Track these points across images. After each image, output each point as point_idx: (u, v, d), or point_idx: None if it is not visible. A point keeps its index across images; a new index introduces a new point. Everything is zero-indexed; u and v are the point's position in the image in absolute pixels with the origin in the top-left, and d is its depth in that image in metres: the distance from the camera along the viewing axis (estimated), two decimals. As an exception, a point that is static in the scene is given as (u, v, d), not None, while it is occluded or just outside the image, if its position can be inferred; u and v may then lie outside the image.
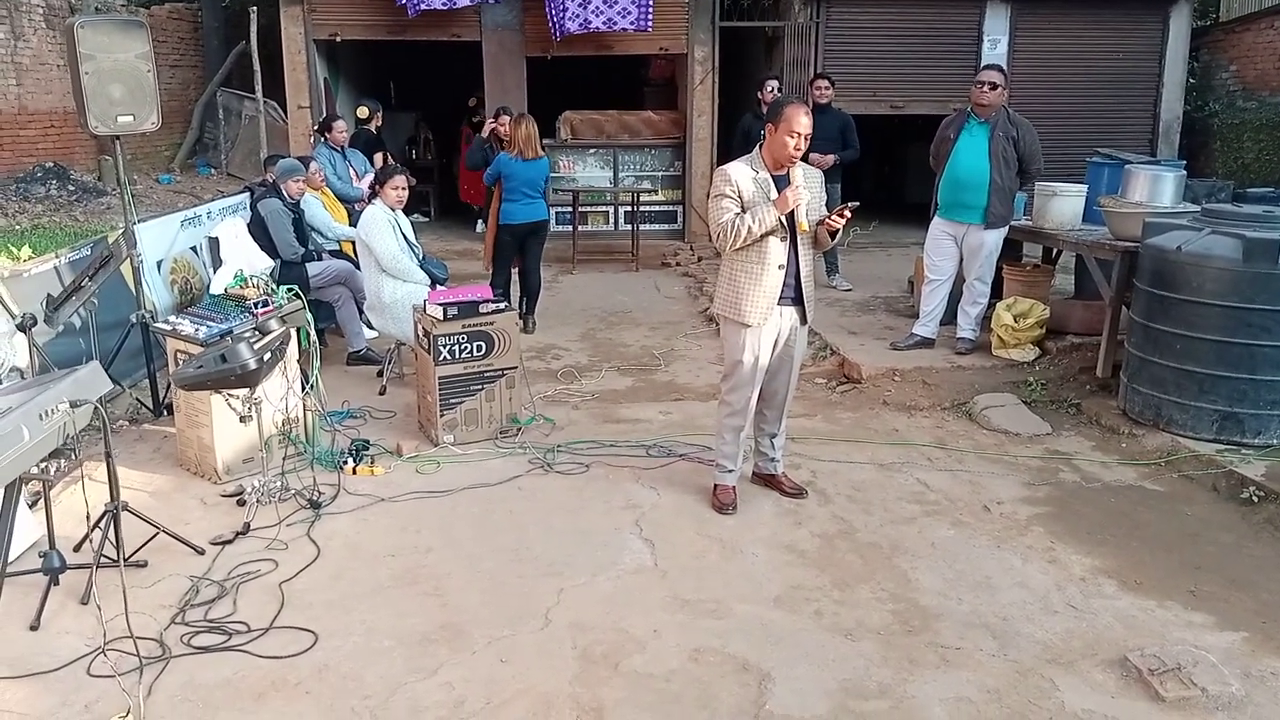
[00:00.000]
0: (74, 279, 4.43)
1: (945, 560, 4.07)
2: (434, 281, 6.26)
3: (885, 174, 13.87)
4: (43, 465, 2.92)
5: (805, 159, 4.37)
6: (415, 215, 11.90)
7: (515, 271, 7.93)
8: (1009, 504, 4.62)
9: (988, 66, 6.53)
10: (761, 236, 4.20)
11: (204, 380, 4.12)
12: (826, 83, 8.25)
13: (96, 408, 2.49)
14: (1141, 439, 5.29)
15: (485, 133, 9.43)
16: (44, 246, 7.85)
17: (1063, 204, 6.48)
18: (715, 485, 4.62)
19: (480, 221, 11.63)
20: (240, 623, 3.59)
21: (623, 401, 6.19)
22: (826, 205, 4.43)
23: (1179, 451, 5.05)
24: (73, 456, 2.36)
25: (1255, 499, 4.55)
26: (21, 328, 3.96)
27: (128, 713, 2.95)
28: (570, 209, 10.75)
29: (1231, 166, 10.92)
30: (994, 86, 6.16)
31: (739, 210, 4.21)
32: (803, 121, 4.14)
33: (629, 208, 11.02)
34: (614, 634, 3.52)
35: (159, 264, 6.57)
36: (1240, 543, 4.26)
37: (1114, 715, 3.06)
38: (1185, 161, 8.57)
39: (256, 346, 4.16)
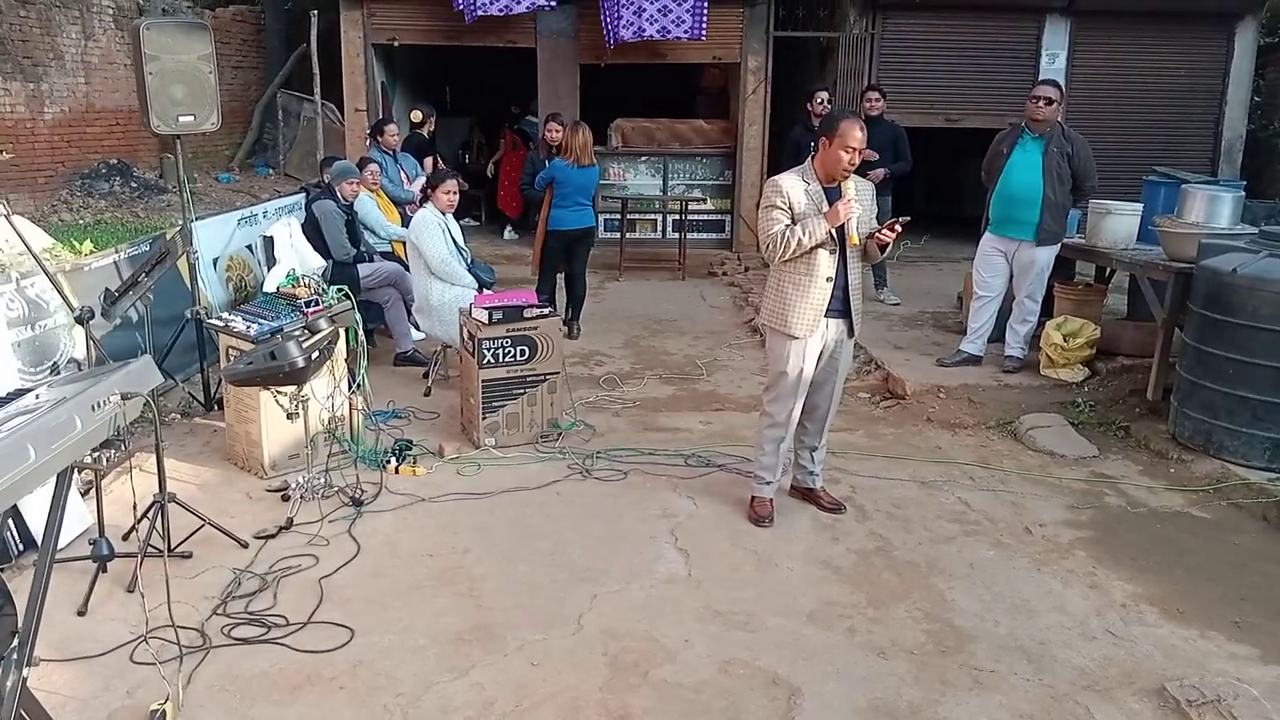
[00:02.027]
0: (131, 274, 4.56)
1: (983, 581, 4.02)
2: (481, 285, 6.32)
3: (939, 187, 13.73)
4: (94, 455, 2.99)
5: (860, 173, 4.36)
6: (466, 219, 12.03)
7: (561, 277, 7.99)
8: (1051, 526, 4.56)
9: (1043, 81, 6.46)
10: (811, 249, 4.19)
11: (253, 376, 4.20)
12: (878, 94, 8.21)
13: (146, 401, 2.55)
14: (1190, 465, 5.18)
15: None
16: (105, 242, 8.05)
17: (1117, 222, 6.38)
18: (752, 497, 4.62)
19: (509, 227, 11.75)
20: (279, 616, 3.66)
21: (663, 410, 6.20)
22: (877, 219, 4.42)
23: (1229, 479, 4.95)
24: (122, 447, 2.42)
25: (1307, 530, 4.45)
26: (80, 320, 4.08)
27: (167, 700, 3.02)
28: (619, 216, 10.79)
29: (1296, 188, 10.67)
30: (1049, 102, 6.08)
31: (789, 222, 4.21)
32: (857, 136, 4.12)
33: (677, 216, 11.04)
34: (645, 642, 3.53)
35: (215, 261, 6.73)
36: (1290, 574, 4.16)
37: (1150, 746, 3.01)
38: (1245, 182, 8.38)
39: (305, 345, 4.23)
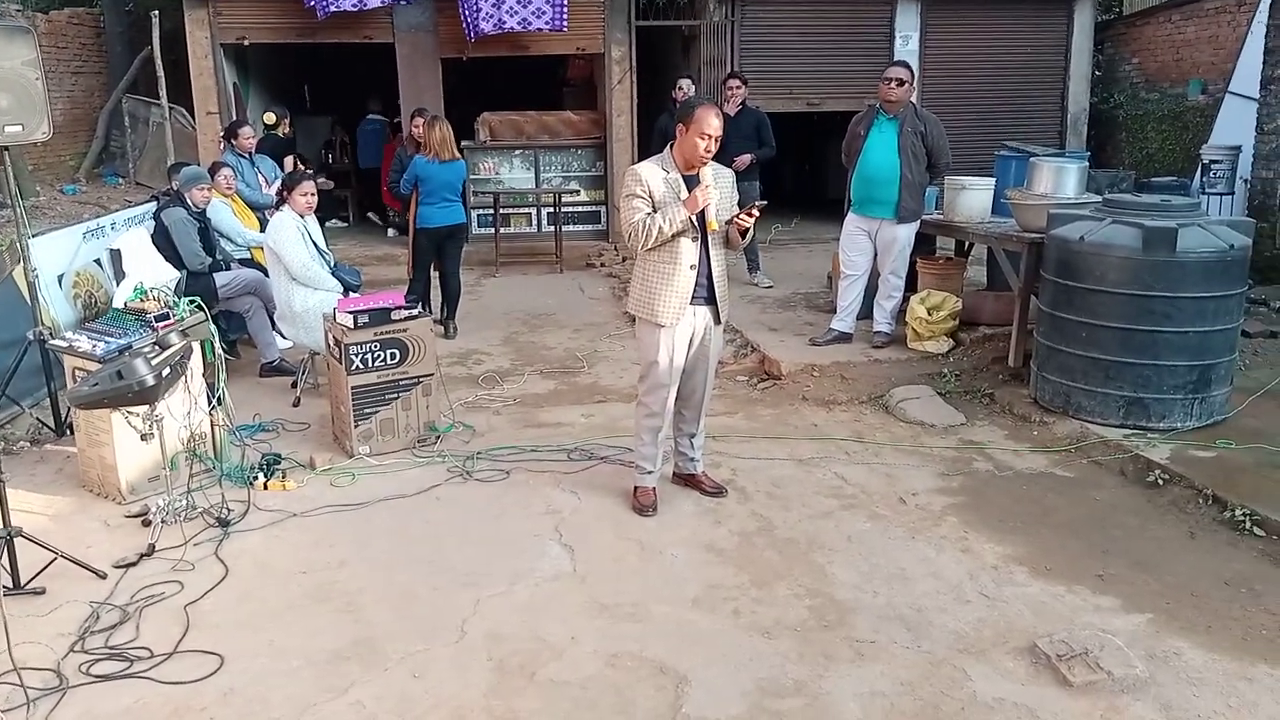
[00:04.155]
0: (-42, 297, 4.27)
1: (861, 553, 4.10)
2: (347, 289, 6.13)
3: (805, 171, 14.00)
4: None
5: (725, 162, 4.37)
6: (333, 221, 11.69)
7: (436, 276, 7.83)
8: (924, 495, 4.68)
9: (894, 63, 6.61)
10: (673, 236, 4.19)
11: (100, 398, 3.97)
12: (738, 82, 8.29)
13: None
14: (1052, 426, 5.40)
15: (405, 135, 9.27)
16: (-63, 262, 7.51)
17: (972, 197, 6.59)
18: (635, 487, 4.60)
19: (391, 229, 11.49)
20: (143, 648, 3.46)
21: (545, 405, 6.14)
22: (742, 204, 4.44)
23: (1088, 438, 5.17)
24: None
25: (1161, 482, 4.68)
26: (-101, 349, 3.79)
27: (16, 750, 2.83)
28: (492, 211, 10.65)
29: (1137, 157, 11.24)
30: (901, 83, 6.24)
31: (650, 210, 4.20)
32: (714, 124, 4.13)
33: (552, 209, 10.95)
34: (531, 643, 3.48)
35: (59, 278, 6.35)
36: (1146, 525, 4.37)
37: (1024, 703, 3.10)
38: (1090, 153, 8.79)
39: (154, 362, 4.01)
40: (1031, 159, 6.45)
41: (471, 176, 10.42)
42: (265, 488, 4.78)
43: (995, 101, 11.23)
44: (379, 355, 5.18)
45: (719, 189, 4.22)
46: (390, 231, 11.52)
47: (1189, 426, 5.12)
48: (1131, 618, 3.60)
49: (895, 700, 3.13)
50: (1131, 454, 4.92)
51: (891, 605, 3.69)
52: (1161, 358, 5.08)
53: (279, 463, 4.98)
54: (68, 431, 5.40)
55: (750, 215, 4.23)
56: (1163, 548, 4.15)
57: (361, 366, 5.14)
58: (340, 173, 12.31)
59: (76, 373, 4.71)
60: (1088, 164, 6.62)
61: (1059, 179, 6.08)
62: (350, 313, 5.14)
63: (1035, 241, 5.84)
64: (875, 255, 6.56)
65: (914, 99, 6.46)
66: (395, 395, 5.26)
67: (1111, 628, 3.49)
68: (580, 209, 11.35)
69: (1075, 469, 4.97)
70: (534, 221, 11.37)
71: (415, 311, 5.36)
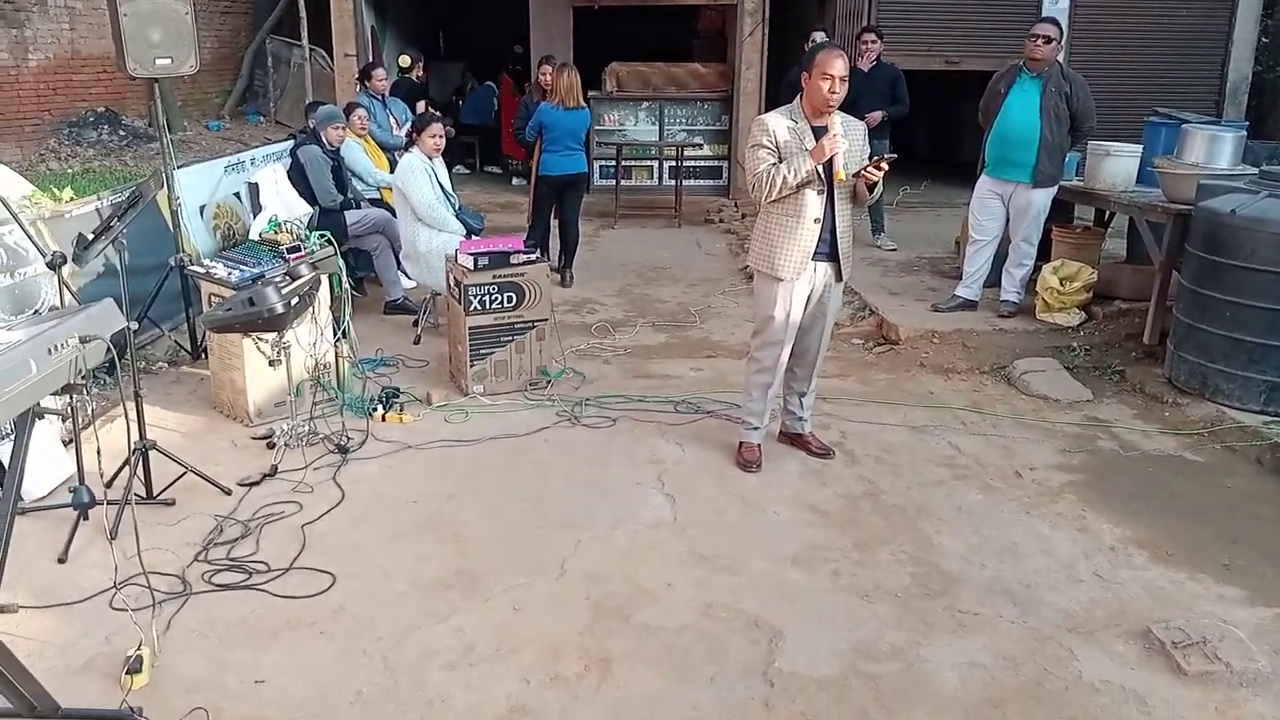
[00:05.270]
0: (104, 219, 4.51)
1: (971, 525, 3.99)
2: (470, 232, 6.24)
3: (939, 132, 13.53)
4: (64, 402, 2.95)
5: (856, 114, 4.25)
6: (458, 167, 11.87)
7: (555, 224, 7.89)
8: (1042, 470, 4.51)
9: (1043, 19, 6.29)
10: (798, 188, 4.10)
11: (231, 322, 4.15)
12: (874, 36, 8.04)
13: (109, 345, 2.49)
14: (1185, 408, 5.13)
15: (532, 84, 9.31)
16: (91, 190, 7.95)
17: (1116, 164, 6.27)
18: (740, 443, 4.57)
19: (515, 176, 11.59)
20: (261, 562, 3.64)
21: (655, 357, 6.14)
22: (871, 159, 4.31)
23: (1224, 422, 4.90)
24: (84, 392, 2.37)
25: (1301, 473, 4.41)
26: (51, 265, 4.01)
27: (140, 645, 3.01)
28: (614, 163, 10.65)
29: (1302, 131, 10.49)
30: (1048, 40, 5.94)
31: (775, 160, 4.12)
32: (837, 65, 4.01)
33: (673, 162, 10.89)
34: (628, 586, 3.51)
35: (201, 208, 6.64)
36: (1281, 517, 4.13)
37: (1133, 687, 2.98)
38: (1249, 124, 8.22)
39: (284, 291, 4.17)
40: (1183, 126, 6.08)
41: (596, 127, 10.41)
42: (383, 419, 4.93)
43: (1148, 65, 10.57)
44: (496, 298, 5.26)
45: (848, 140, 4.10)
46: (514, 180, 11.65)
47: (1338, 417, 4.80)
48: (1257, 610, 3.41)
49: (996, 673, 3.05)
50: (1271, 441, 4.64)
51: (999, 579, 3.58)
52: (1313, 342, 4.76)
53: (397, 396, 5.13)
54: (202, 355, 5.66)
55: (879, 168, 4.10)
56: (1298, 542, 3.91)
57: (479, 308, 5.23)
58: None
59: (212, 298, 4.93)
60: (1245, 135, 6.21)
61: (1212, 148, 5.72)
62: (471, 254, 5.23)
63: (1182, 213, 5.52)
64: (1007, 221, 6.31)
65: (1060, 59, 6.15)
66: (510, 338, 5.34)
67: (1234, 619, 3.32)
68: (702, 164, 11.25)
69: (1207, 454, 4.72)
70: (655, 174, 11.32)
71: (533, 257, 5.41)
